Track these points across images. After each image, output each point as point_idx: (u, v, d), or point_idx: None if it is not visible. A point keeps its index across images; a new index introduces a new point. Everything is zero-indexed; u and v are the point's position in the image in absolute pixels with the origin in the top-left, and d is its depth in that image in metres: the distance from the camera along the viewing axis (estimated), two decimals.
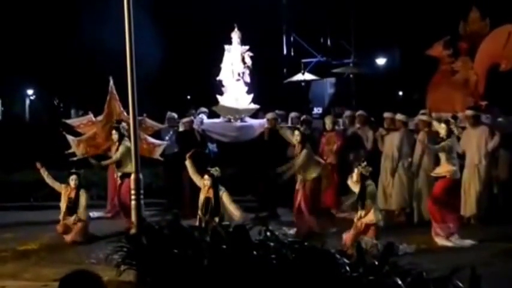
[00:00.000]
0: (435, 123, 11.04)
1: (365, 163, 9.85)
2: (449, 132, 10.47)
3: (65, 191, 11.05)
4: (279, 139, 13.16)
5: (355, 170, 9.88)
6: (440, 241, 10.15)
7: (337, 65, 25.25)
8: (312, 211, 10.96)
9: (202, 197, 10.01)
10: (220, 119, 14.61)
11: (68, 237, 10.75)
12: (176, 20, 21.85)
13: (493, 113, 12.77)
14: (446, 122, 10.68)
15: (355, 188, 10.02)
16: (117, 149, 11.83)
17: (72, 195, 11.01)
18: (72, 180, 11.04)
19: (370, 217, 9.57)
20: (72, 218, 10.86)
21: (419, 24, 22.15)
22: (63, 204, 11.01)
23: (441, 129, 10.53)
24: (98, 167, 12.15)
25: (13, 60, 28.42)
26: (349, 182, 10.20)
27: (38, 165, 11.28)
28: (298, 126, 11.66)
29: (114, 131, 11.91)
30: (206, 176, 10.00)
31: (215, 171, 10.03)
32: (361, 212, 9.63)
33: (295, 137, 11.17)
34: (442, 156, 10.45)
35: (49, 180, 11.28)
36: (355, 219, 9.75)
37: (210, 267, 6.04)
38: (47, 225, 11.27)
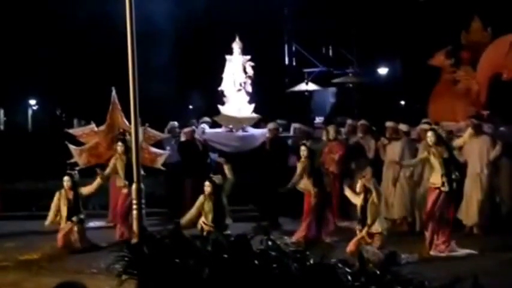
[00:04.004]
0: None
1: (368, 175, 9.84)
2: (439, 139, 10.44)
3: (61, 195, 11.05)
4: (281, 149, 13.21)
5: (358, 182, 9.88)
6: (437, 254, 10.14)
7: (339, 74, 25.28)
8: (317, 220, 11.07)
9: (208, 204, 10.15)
10: (222, 129, 14.62)
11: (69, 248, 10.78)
12: (177, 29, 21.88)
13: (495, 122, 12.76)
14: (433, 130, 10.67)
15: (355, 199, 10.04)
16: (122, 160, 11.81)
17: (70, 196, 11.02)
18: (65, 181, 11.06)
19: (376, 226, 9.60)
20: (74, 218, 10.88)
21: (421, 34, 22.17)
22: (63, 209, 11.00)
23: (429, 137, 10.51)
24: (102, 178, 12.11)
25: (16, 70, 28.48)
26: (347, 193, 10.22)
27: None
28: (304, 141, 11.74)
29: (120, 143, 11.87)
30: (207, 183, 10.17)
31: (217, 179, 10.19)
32: (363, 224, 9.64)
33: (301, 152, 11.28)
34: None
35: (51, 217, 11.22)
36: (357, 230, 9.77)
37: (212, 277, 6.03)
38: (49, 235, 11.26)
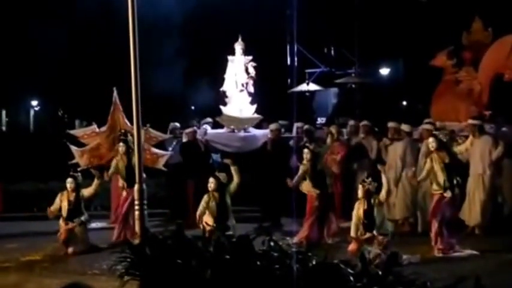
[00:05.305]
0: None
1: (370, 179, 9.81)
2: (440, 144, 10.46)
3: (63, 197, 11.05)
4: (282, 149, 13.20)
5: (360, 187, 9.82)
6: (440, 255, 10.15)
7: (341, 75, 25.23)
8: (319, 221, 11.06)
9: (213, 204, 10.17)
10: (224, 130, 14.62)
11: (70, 249, 10.76)
12: (179, 29, 21.89)
13: (497, 122, 12.76)
14: (434, 136, 10.70)
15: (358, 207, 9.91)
16: (123, 161, 11.80)
17: (72, 198, 11.00)
18: (68, 183, 11.05)
19: (385, 227, 9.62)
20: (75, 220, 10.89)
21: (423, 34, 22.16)
22: (64, 209, 11.00)
23: (430, 143, 10.53)
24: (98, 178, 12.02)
25: (17, 71, 28.49)
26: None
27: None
28: (307, 144, 11.73)
29: (121, 143, 11.86)
30: (211, 179, 10.19)
31: (221, 176, 10.24)
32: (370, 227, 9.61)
33: (304, 155, 11.23)
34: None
35: (54, 209, 11.22)
36: (359, 232, 9.74)
37: (214, 278, 6.03)
38: (51, 236, 11.25)
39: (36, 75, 29.00)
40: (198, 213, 10.41)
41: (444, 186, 10.30)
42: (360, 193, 9.76)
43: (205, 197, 10.33)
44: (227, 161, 10.87)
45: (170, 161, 12.96)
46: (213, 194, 10.26)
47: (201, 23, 23.83)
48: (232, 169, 10.49)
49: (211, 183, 10.28)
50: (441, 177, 10.31)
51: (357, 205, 9.82)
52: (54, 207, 11.08)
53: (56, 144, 14.72)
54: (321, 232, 11.06)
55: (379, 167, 10.15)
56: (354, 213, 9.81)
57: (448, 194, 10.28)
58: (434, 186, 10.47)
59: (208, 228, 10.06)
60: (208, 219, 10.24)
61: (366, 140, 13.17)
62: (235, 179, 10.41)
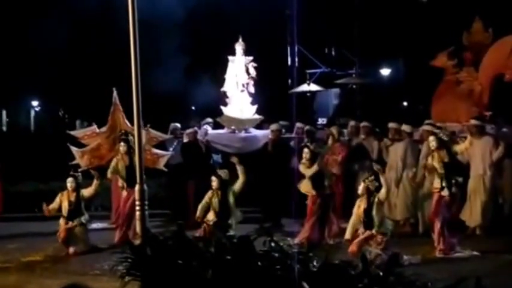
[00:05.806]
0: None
1: (372, 177, 9.81)
2: (440, 143, 10.47)
3: (63, 197, 11.04)
4: (283, 150, 13.20)
5: (361, 184, 9.84)
6: (441, 255, 10.14)
7: (341, 75, 25.25)
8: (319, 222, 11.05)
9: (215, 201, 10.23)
10: (225, 130, 14.62)
11: (71, 250, 10.75)
12: (180, 29, 21.90)
13: (498, 123, 12.76)
14: (434, 135, 10.71)
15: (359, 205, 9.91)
16: (124, 161, 11.80)
17: (72, 198, 11.00)
18: (69, 183, 11.04)
19: (385, 226, 9.60)
20: (75, 220, 10.88)
21: (423, 35, 22.17)
22: (64, 209, 10.99)
23: (431, 142, 10.54)
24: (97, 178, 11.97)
25: (18, 71, 28.48)
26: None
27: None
28: (308, 144, 11.73)
29: (122, 143, 11.85)
30: (213, 178, 10.23)
31: (223, 173, 10.24)
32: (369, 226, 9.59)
33: (304, 155, 11.21)
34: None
35: (52, 207, 11.20)
36: (360, 233, 9.72)
37: (215, 278, 6.03)
38: (51, 236, 11.24)
39: (36, 75, 28.97)
40: (199, 207, 10.45)
41: (442, 185, 10.31)
42: (361, 190, 9.78)
43: (209, 193, 10.41)
44: (233, 159, 10.88)
45: (171, 162, 12.96)
46: (217, 192, 10.33)
47: (202, 23, 23.84)
48: (238, 168, 10.52)
49: (214, 182, 10.35)
50: (440, 176, 10.33)
51: (357, 202, 9.83)
52: (52, 206, 11.07)
53: (56, 144, 14.72)
54: (322, 233, 11.05)
55: (375, 167, 10.12)
56: (354, 211, 9.81)
57: (445, 193, 10.28)
58: (434, 185, 10.50)
59: (208, 228, 10.10)
60: (209, 216, 10.27)
61: (367, 140, 13.18)
62: (241, 177, 10.43)
